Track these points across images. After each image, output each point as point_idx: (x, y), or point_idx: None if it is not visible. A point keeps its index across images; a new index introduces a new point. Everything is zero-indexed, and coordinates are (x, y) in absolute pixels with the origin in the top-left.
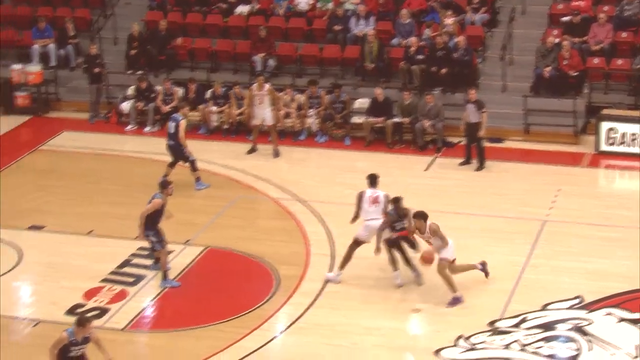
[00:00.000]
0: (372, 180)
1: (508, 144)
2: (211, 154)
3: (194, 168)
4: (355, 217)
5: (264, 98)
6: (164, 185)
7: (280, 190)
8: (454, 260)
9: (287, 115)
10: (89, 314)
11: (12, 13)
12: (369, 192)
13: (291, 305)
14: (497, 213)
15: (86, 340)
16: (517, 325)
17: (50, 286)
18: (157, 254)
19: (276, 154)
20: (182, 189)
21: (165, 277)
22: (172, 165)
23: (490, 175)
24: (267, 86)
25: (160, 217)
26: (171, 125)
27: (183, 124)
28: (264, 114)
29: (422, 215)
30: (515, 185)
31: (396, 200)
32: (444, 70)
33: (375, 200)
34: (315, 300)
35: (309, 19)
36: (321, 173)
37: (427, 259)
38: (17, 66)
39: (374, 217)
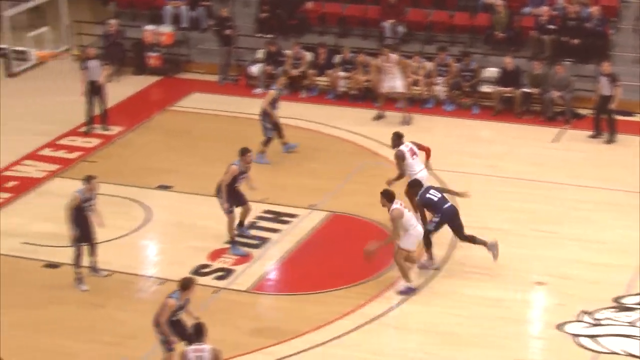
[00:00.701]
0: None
1: (638, 118)
2: (338, 120)
3: (264, 143)
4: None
5: (393, 69)
6: (243, 152)
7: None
8: (413, 252)
9: (415, 83)
10: (214, 275)
11: None
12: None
13: (414, 274)
14: (622, 187)
15: (187, 302)
16: None
17: (177, 246)
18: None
19: (406, 122)
20: (306, 153)
21: (233, 242)
22: (279, 135)
23: (618, 149)
24: (393, 56)
25: (237, 183)
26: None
27: (270, 93)
28: (394, 83)
29: (386, 195)
30: None
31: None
32: (575, 41)
33: (413, 152)
34: (439, 269)
35: None
36: (447, 142)
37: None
38: (149, 27)
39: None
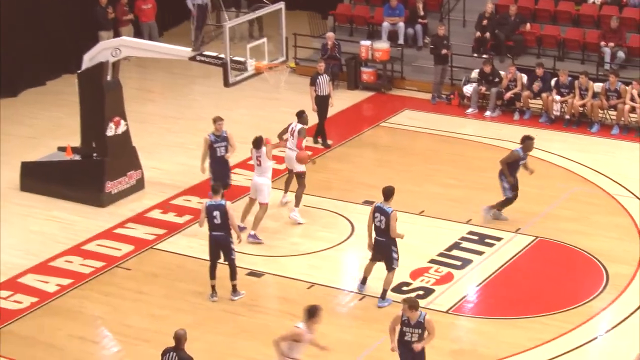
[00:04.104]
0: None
1: None
2: (551, 144)
3: (501, 203)
4: None
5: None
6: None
7: (619, 186)
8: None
9: (632, 110)
10: (414, 294)
11: None
12: None
13: (619, 305)
14: None
15: (419, 325)
16: None
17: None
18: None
19: None
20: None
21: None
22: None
23: None
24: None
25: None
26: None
27: (512, 155)
28: None
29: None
30: None
31: None
32: None
33: None
34: None
35: None
36: None
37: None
38: (366, 42)
39: None
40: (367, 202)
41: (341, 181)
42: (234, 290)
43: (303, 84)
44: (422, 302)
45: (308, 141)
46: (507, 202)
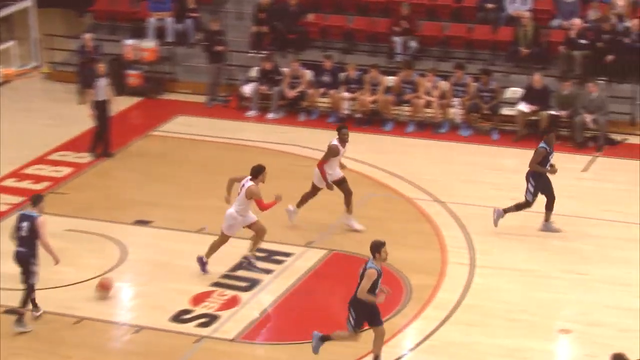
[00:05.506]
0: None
1: None
2: None
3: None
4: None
5: None
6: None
7: (417, 189)
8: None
9: (428, 105)
10: (195, 323)
11: None
12: None
13: (423, 320)
14: None
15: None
16: None
17: (155, 289)
18: None
19: None
20: (303, 184)
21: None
22: None
23: None
24: None
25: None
26: None
27: (540, 152)
28: None
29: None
30: None
31: None
32: (610, 58)
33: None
34: (450, 314)
35: None
36: (463, 171)
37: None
38: (130, 42)
39: None
40: (139, 222)
41: (107, 199)
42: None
43: (61, 91)
44: (206, 331)
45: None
46: (525, 205)
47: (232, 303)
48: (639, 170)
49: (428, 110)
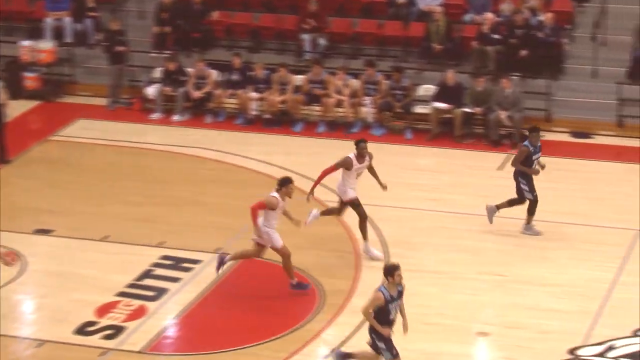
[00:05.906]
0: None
1: (598, 140)
2: (250, 148)
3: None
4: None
5: None
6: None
7: (328, 191)
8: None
9: (339, 104)
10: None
11: None
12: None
13: (337, 326)
14: (583, 221)
15: (400, 294)
16: (602, 355)
17: (58, 300)
18: None
19: None
20: (210, 189)
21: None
22: None
23: (578, 177)
24: None
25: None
26: None
27: (522, 150)
28: None
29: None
30: (605, 189)
31: None
32: (523, 52)
33: None
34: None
35: None
36: (377, 171)
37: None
38: (26, 42)
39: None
40: (39, 231)
41: (4, 208)
42: None
43: None
44: (112, 343)
45: None
46: (532, 205)
47: (139, 313)
48: (556, 168)
49: (339, 109)
